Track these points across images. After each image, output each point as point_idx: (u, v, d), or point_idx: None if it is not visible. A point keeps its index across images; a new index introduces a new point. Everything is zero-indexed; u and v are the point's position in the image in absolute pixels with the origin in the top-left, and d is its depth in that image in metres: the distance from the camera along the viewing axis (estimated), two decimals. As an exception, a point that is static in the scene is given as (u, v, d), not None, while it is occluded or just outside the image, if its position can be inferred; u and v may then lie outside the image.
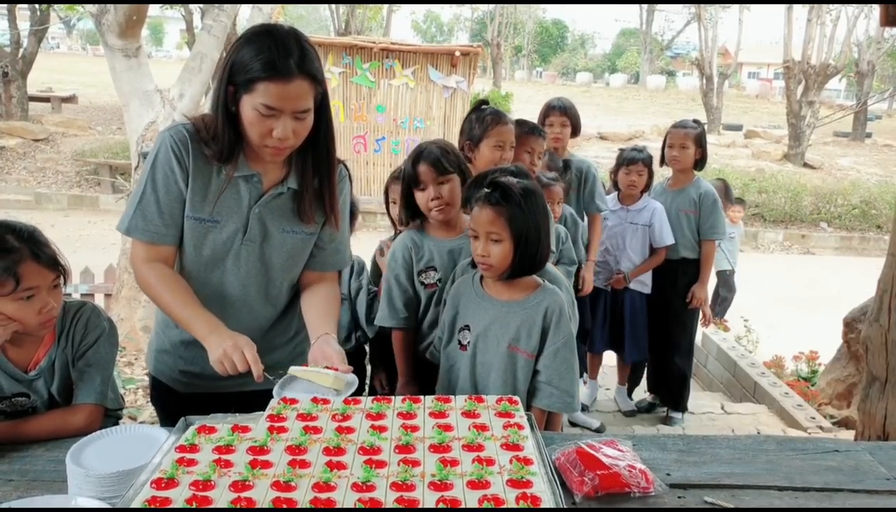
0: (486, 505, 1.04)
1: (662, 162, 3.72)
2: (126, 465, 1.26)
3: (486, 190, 1.74)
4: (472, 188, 1.90)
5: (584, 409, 3.94)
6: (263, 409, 1.42)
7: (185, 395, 1.77)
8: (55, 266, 1.58)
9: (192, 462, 1.13)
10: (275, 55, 1.45)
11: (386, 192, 2.64)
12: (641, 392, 4.18)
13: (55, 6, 13.24)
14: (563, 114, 3.41)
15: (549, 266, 2.02)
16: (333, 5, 18.88)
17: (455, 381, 1.87)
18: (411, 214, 2.18)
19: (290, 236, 1.69)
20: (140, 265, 1.62)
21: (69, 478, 1.29)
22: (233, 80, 1.49)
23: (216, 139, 1.56)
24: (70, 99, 15.84)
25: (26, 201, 10.64)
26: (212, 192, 1.61)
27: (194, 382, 1.76)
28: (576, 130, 3.47)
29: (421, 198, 2.10)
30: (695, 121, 3.65)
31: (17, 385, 1.61)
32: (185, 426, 1.29)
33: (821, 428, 3.73)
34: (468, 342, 1.84)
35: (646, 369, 4.06)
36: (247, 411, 1.46)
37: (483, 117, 2.51)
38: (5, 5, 14.23)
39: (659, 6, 32.30)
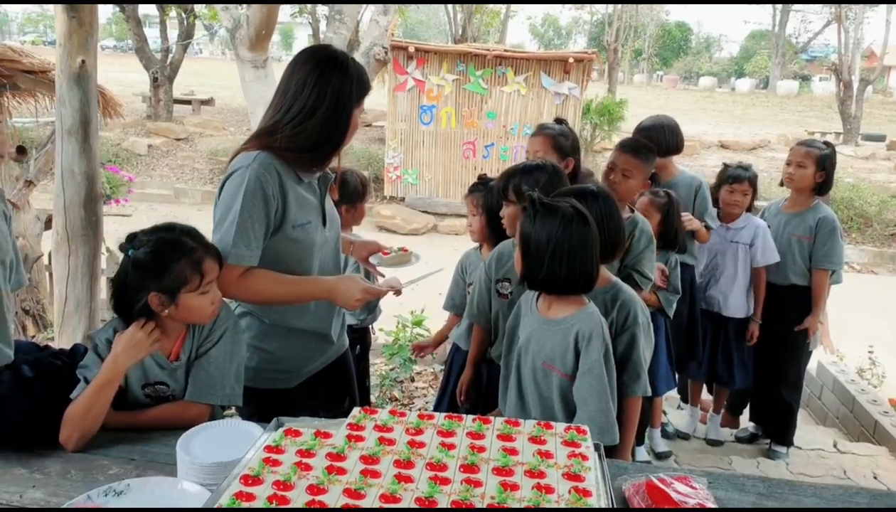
0: (538, 533, 1.08)
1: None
2: (225, 456, 1.40)
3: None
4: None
5: (686, 437, 3.83)
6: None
7: (280, 392, 1.99)
8: (219, 258, 1.70)
9: (276, 462, 1.26)
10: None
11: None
12: (744, 421, 3.99)
13: (200, 16, 14.47)
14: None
15: (623, 285, 2.03)
16: (451, 11, 19.18)
17: (505, 390, 1.96)
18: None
19: (333, 209, 2.05)
20: (235, 285, 1.77)
21: (178, 463, 1.44)
22: (358, 101, 1.84)
23: (327, 155, 1.87)
24: (208, 102, 17.20)
25: (167, 195, 11.73)
26: (305, 199, 1.87)
27: (289, 377, 2.01)
28: (663, 151, 3.17)
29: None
30: (825, 143, 3.41)
31: (162, 373, 1.71)
32: (276, 426, 1.43)
33: (953, 480, 3.38)
34: (516, 353, 1.93)
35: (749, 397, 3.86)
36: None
37: None
38: (158, 15, 15.76)
39: (795, 6, 30.09)
